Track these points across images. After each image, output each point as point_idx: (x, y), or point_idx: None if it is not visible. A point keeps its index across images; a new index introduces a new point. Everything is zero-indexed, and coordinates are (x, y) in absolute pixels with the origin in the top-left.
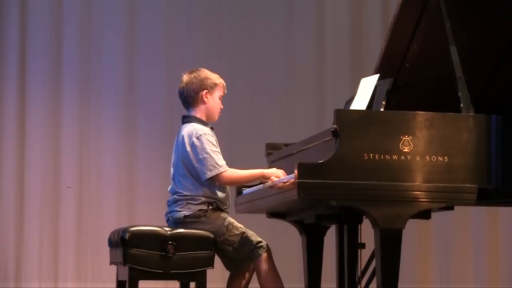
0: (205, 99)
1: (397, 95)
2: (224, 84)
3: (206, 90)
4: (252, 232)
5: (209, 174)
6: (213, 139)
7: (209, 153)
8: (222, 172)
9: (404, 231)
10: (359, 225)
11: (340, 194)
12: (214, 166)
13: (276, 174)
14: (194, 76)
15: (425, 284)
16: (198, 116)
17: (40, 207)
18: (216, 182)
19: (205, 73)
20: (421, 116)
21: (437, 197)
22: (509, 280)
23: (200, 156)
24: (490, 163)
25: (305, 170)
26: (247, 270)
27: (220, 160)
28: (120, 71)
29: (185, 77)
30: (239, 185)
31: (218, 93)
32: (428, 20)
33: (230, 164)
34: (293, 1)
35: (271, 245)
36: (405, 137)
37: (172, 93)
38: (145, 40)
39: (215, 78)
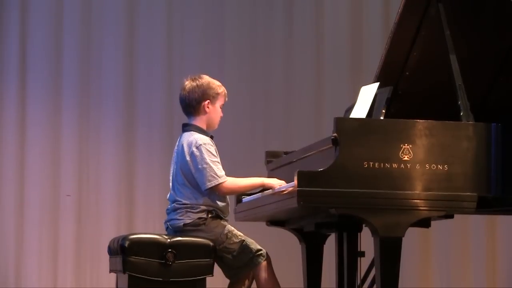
0: (207, 109)
1: (397, 103)
2: (226, 92)
3: (208, 101)
4: (252, 240)
5: (208, 185)
6: (213, 148)
7: (208, 163)
8: (221, 183)
9: (403, 239)
10: (358, 233)
11: (340, 202)
12: (213, 177)
13: (276, 184)
14: (197, 85)
15: None
16: (198, 125)
17: (39, 215)
18: (215, 192)
19: (208, 81)
20: (421, 124)
21: (437, 205)
22: (508, 287)
23: (200, 166)
24: (490, 171)
25: (305, 178)
26: (247, 278)
27: (219, 170)
28: (120, 79)
29: (187, 84)
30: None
31: (219, 102)
32: (428, 28)
33: (230, 172)
34: (292, 8)
35: (270, 253)
36: (405, 145)
37: (172, 101)
38: (145, 48)
39: (217, 87)
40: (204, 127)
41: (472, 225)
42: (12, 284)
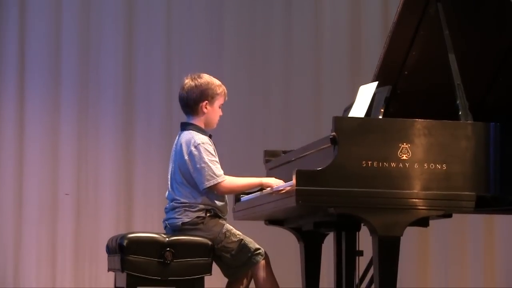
0: (205, 109)
1: (396, 103)
2: (225, 91)
3: (206, 101)
4: (250, 239)
5: (207, 184)
6: (211, 148)
7: (206, 162)
8: (219, 182)
9: (402, 239)
10: (357, 233)
11: (338, 202)
12: (212, 176)
13: (274, 184)
14: (196, 85)
15: None
16: (197, 124)
17: (38, 214)
18: (214, 191)
19: (207, 81)
20: (420, 123)
21: (435, 204)
22: (506, 286)
23: (198, 166)
24: (489, 170)
25: (304, 177)
26: (245, 277)
27: (218, 169)
28: (119, 77)
29: (187, 83)
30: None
31: (218, 102)
32: (427, 28)
33: (229, 171)
34: (291, 7)
35: (269, 252)
36: (403, 144)
37: (171, 100)
38: (144, 46)
39: (216, 87)
40: (202, 126)
41: (471, 225)
42: (10, 283)
